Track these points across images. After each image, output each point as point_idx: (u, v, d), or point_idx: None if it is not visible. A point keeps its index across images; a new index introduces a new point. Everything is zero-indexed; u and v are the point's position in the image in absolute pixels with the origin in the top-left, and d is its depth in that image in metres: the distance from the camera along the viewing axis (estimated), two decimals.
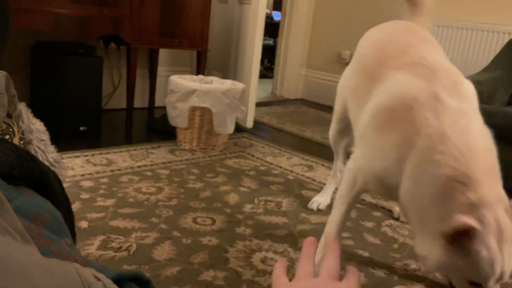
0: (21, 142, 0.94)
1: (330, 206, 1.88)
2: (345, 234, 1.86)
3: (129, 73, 2.98)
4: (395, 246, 1.80)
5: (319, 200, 2.08)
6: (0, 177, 0.80)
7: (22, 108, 0.99)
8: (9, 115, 0.96)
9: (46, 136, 1.01)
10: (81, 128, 2.75)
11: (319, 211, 2.04)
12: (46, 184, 0.87)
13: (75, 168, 2.20)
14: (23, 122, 0.95)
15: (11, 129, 0.93)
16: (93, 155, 2.41)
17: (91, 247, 1.54)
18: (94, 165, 2.28)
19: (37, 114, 1.19)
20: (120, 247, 1.56)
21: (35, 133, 0.99)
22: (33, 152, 0.95)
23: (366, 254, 1.72)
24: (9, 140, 0.92)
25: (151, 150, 2.61)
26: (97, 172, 2.19)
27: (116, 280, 0.56)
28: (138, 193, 2.01)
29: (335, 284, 0.60)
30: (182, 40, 3.07)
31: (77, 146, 2.50)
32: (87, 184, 2.04)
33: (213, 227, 1.78)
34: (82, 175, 2.14)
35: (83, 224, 1.69)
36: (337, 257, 0.66)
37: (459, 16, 3.46)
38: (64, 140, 2.55)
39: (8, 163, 0.83)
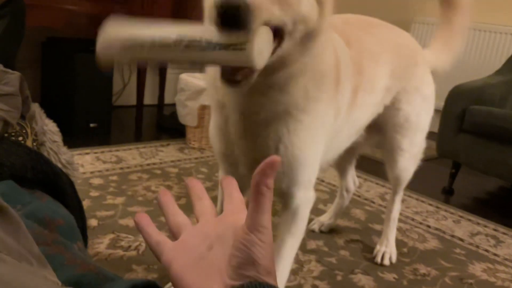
0: (34, 144, 0.95)
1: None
2: (353, 237, 1.85)
3: (140, 70, 2.98)
4: (405, 250, 1.79)
5: (322, 221, 1.88)
6: (14, 180, 0.81)
7: (36, 109, 1.00)
8: (22, 117, 0.96)
9: (58, 138, 1.02)
10: (91, 125, 2.75)
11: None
12: (59, 186, 0.87)
13: (85, 165, 2.21)
14: (36, 124, 0.95)
15: (24, 131, 0.93)
16: (102, 152, 2.42)
17: (101, 246, 1.55)
18: (104, 162, 2.29)
19: (48, 110, 1.19)
20: (129, 246, 1.57)
21: (48, 134, 0.99)
22: (46, 153, 0.95)
23: None
24: (22, 142, 0.92)
25: (160, 148, 2.61)
26: (107, 170, 2.20)
27: None
28: (147, 192, 2.01)
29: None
30: None
31: (87, 142, 2.51)
32: (96, 181, 2.05)
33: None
34: (92, 172, 2.15)
35: (93, 222, 1.69)
36: (206, 197, 0.62)
37: (472, 17, 3.42)
38: (74, 136, 2.56)
39: (22, 166, 0.84)
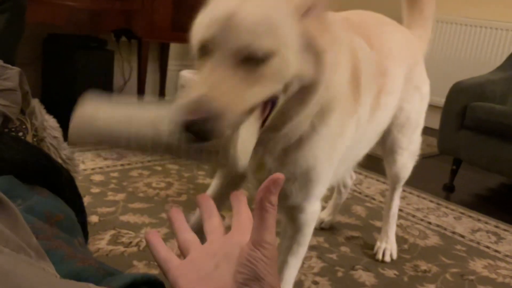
0: (34, 139, 0.94)
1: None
2: (354, 234, 1.85)
3: (140, 67, 2.98)
4: (405, 246, 1.79)
5: (322, 218, 1.85)
6: (14, 175, 0.81)
7: (35, 104, 1.00)
8: (22, 112, 0.96)
9: (59, 133, 1.02)
10: None
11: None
12: (59, 182, 0.87)
13: (86, 161, 2.21)
14: (36, 119, 0.95)
15: (24, 126, 0.93)
16: (103, 149, 2.41)
17: (102, 242, 1.55)
18: (105, 159, 2.28)
19: (48, 106, 1.19)
20: (130, 242, 1.57)
21: (48, 130, 0.99)
22: (46, 149, 0.95)
23: None
24: (23, 137, 0.92)
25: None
26: (108, 166, 2.20)
27: (130, 285, 0.56)
28: (148, 188, 2.01)
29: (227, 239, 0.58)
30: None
31: None
32: (97, 178, 2.05)
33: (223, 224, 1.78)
34: (93, 169, 2.15)
35: (94, 218, 1.69)
36: (216, 214, 0.64)
37: (471, 13, 3.42)
38: None
39: (22, 161, 0.83)
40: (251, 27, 0.72)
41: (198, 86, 0.70)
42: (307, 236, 1.12)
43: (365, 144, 1.30)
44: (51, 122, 1.01)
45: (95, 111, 0.79)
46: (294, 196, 1.03)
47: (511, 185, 2.70)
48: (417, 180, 2.45)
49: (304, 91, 0.82)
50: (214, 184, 1.26)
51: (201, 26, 0.76)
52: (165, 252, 0.59)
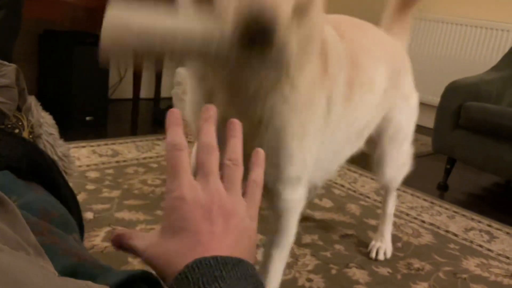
0: (30, 136, 0.95)
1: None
2: (348, 231, 1.86)
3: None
4: (399, 244, 1.80)
5: None
6: (10, 171, 0.81)
7: (32, 101, 1.00)
8: (18, 109, 0.96)
9: (55, 130, 1.02)
10: (87, 118, 2.75)
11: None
12: (54, 179, 0.87)
13: (81, 158, 2.21)
14: (32, 116, 0.95)
15: (20, 123, 0.93)
16: (99, 145, 2.42)
17: (97, 239, 1.55)
18: (100, 155, 2.28)
19: (44, 103, 1.19)
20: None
21: (44, 127, 0.99)
22: (42, 146, 0.95)
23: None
24: (19, 134, 0.93)
25: (156, 141, 2.61)
26: (103, 163, 2.20)
27: (126, 281, 0.56)
28: (144, 185, 2.01)
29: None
30: None
31: (83, 135, 2.51)
32: (92, 174, 2.05)
33: None
34: (88, 165, 2.15)
35: (89, 215, 1.70)
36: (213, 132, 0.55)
37: (467, 13, 3.43)
38: (70, 129, 2.56)
39: (17, 157, 0.84)
40: None
41: None
42: (288, 227, 1.08)
43: (343, 139, 1.23)
44: (47, 119, 1.01)
45: (130, 11, 0.72)
46: (267, 175, 0.99)
47: (505, 185, 2.72)
48: (411, 179, 2.46)
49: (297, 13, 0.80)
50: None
51: None
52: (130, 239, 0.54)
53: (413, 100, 1.50)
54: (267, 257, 1.09)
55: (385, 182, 1.60)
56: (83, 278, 0.58)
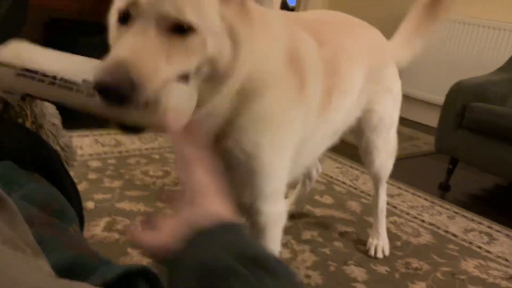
0: (33, 126, 0.95)
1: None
2: (348, 229, 1.86)
3: None
4: (398, 243, 1.80)
5: None
6: (13, 161, 0.81)
7: None
8: (22, 98, 0.96)
9: (57, 120, 1.02)
10: None
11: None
12: (54, 169, 0.87)
13: (84, 147, 2.22)
14: (36, 106, 0.95)
15: (24, 112, 0.93)
16: (101, 135, 2.42)
17: (97, 229, 1.56)
18: (103, 145, 2.29)
19: None
20: (125, 230, 1.58)
21: (47, 117, 0.99)
22: (44, 136, 0.95)
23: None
24: (22, 124, 0.93)
25: (159, 133, 2.61)
26: (105, 153, 2.20)
27: (123, 276, 0.57)
28: (145, 176, 2.02)
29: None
30: None
31: (86, 124, 2.50)
32: (94, 164, 2.06)
33: None
34: (90, 155, 2.15)
35: (90, 204, 1.70)
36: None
37: (475, 12, 3.41)
38: (73, 118, 2.56)
39: (21, 147, 0.84)
40: None
41: (120, 49, 0.67)
42: (272, 240, 1.04)
43: (320, 141, 1.26)
44: (50, 108, 1.01)
45: (20, 47, 0.79)
46: (241, 194, 0.96)
47: (506, 187, 2.72)
48: (412, 178, 2.47)
49: (216, 77, 0.79)
50: None
51: None
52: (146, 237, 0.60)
53: (396, 89, 1.52)
54: None
55: (375, 171, 1.60)
56: (82, 271, 0.59)
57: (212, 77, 0.79)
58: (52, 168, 0.86)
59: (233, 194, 0.86)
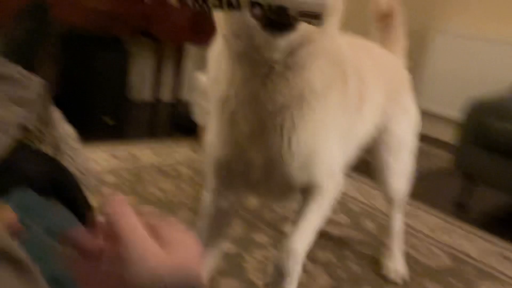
0: (52, 150, 0.95)
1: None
2: (363, 250, 1.84)
3: (157, 67, 2.99)
4: (413, 265, 1.77)
5: None
6: (31, 187, 0.81)
7: (55, 114, 1.00)
8: (42, 122, 0.96)
9: (77, 144, 1.02)
10: (106, 119, 2.77)
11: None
12: (73, 197, 0.87)
13: (99, 161, 2.22)
14: (56, 131, 0.95)
15: (43, 137, 0.94)
16: (117, 148, 2.43)
17: None
18: (118, 159, 2.29)
19: (64, 105, 1.18)
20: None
21: (67, 140, 0.99)
22: (64, 161, 0.95)
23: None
24: (41, 149, 0.93)
25: (174, 147, 2.61)
26: (121, 168, 2.21)
27: None
28: (160, 192, 2.02)
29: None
30: (211, 38, 3.06)
31: (101, 137, 2.52)
32: (109, 179, 2.06)
33: (232, 233, 1.78)
34: (105, 169, 2.16)
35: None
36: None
37: (492, 28, 3.38)
38: (88, 130, 2.57)
39: (39, 174, 0.84)
40: None
41: None
42: (328, 197, 1.12)
43: (351, 148, 1.29)
44: (70, 132, 1.02)
45: None
46: (299, 176, 1.03)
47: None
48: (428, 196, 2.43)
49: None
50: (208, 202, 1.17)
51: None
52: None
53: (413, 112, 1.54)
54: (304, 206, 1.11)
55: (390, 194, 1.59)
56: None
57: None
58: (70, 195, 0.86)
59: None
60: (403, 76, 1.53)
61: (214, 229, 1.16)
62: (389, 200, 1.64)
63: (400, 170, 1.54)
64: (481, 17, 3.41)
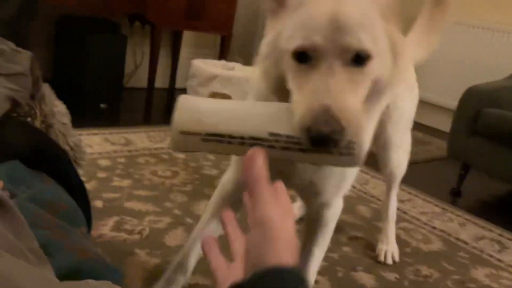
0: (43, 125, 0.94)
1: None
2: (357, 234, 1.84)
3: (152, 53, 2.98)
4: (408, 250, 1.78)
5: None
6: (20, 160, 0.81)
7: (46, 90, 0.99)
8: (32, 97, 0.96)
9: (67, 119, 1.02)
10: (102, 105, 2.76)
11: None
12: (62, 169, 0.87)
13: (93, 146, 2.22)
14: (45, 105, 0.95)
15: (33, 112, 0.93)
16: (111, 133, 2.42)
17: (105, 228, 1.55)
18: (112, 144, 2.29)
19: (58, 89, 1.18)
20: (133, 230, 1.57)
21: (57, 116, 0.99)
22: (54, 135, 0.95)
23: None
24: (31, 123, 0.92)
25: (169, 132, 2.60)
26: (115, 152, 2.20)
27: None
28: (154, 176, 2.01)
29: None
30: (207, 24, 3.05)
31: (96, 123, 2.51)
32: (104, 163, 2.06)
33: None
34: (100, 153, 2.15)
35: (98, 203, 1.70)
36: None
37: (490, 16, 3.37)
38: (84, 116, 2.57)
39: (28, 147, 0.83)
40: (357, 27, 0.73)
41: (320, 93, 0.70)
42: (331, 230, 1.17)
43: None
44: (60, 108, 1.01)
45: (197, 101, 0.78)
46: (328, 193, 1.07)
47: None
48: (424, 183, 2.44)
49: (376, 92, 0.82)
50: (228, 179, 1.20)
51: (299, 31, 0.75)
52: (216, 260, 0.65)
53: (416, 89, 1.55)
54: (309, 254, 1.16)
55: (391, 168, 1.60)
56: (87, 277, 0.58)
57: (373, 92, 0.81)
58: (60, 167, 0.86)
59: (315, 192, 1.05)
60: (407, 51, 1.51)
61: (226, 201, 1.18)
62: (389, 177, 1.64)
63: (402, 146, 1.57)
64: (480, 6, 3.39)
